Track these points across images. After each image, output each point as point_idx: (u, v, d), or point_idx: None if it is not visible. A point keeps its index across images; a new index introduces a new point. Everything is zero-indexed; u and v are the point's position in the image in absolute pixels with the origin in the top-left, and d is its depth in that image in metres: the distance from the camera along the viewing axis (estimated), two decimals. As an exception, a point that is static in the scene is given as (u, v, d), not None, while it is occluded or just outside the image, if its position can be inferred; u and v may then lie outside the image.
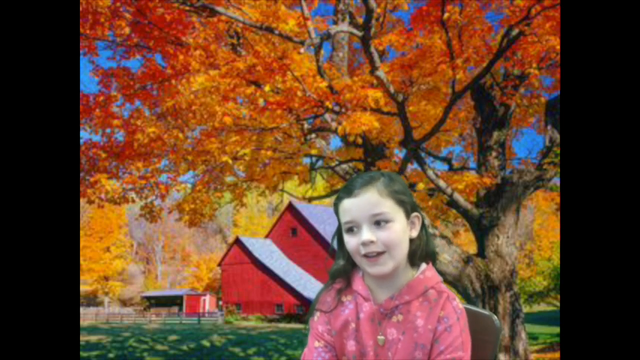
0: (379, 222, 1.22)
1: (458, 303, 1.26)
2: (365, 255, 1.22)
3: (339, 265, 1.32)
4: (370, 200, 1.22)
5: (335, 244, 1.35)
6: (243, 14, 5.45)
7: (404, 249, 1.25)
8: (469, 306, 1.34)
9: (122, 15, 5.45)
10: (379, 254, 1.21)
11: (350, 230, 1.24)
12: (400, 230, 1.24)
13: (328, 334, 1.30)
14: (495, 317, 1.37)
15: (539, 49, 5.36)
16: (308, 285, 33.54)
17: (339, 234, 1.32)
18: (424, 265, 1.30)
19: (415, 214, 1.29)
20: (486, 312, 1.38)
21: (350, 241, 1.24)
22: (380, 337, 1.25)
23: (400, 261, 1.25)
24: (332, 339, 1.29)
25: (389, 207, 1.23)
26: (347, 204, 1.25)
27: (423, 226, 1.31)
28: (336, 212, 1.29)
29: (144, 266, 63.11)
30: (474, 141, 8.51)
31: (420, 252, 1.29)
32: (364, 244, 1.21)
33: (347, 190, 1.26)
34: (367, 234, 1.21)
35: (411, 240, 1.28)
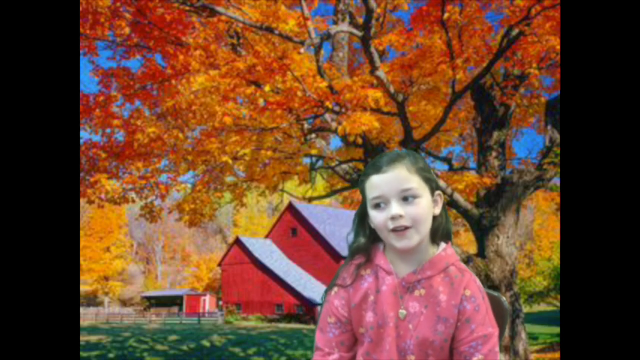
0: (407, 198, 1.26)
1: (480, 283, 1.31)
2: (394, 230, 1.25)
3: (359, 243, 1.36)
4: (399, 176, 1.26)
5: (356, 222, 1.38)
6: (243, 14, 5.45)
7: (429, 224, 1.29)
8: None
9: (122, 15, 5.46)
10: (406, 228, 1.25)
11: (377, 206, 1.28)
12: (427, 206, 1.28)
13: (342, 309, 1.34)
14: (503, 298, 1.40)
15: (539, 49, 5.36)
16: (308, 285, 33.50)
17: (361, 211, 1.35)
18: (443, 244, 1.35)
19: (438, 192, 1.34)
20: (495, 293, 1.40)
21: (377, 216, 1.28)
22: (402, 311, 1.28)
23: (425, 236, 1.30)
24: (347, 313, 1.33)
25: (417, 183, 1.27)
26: (375, 179, 1.28)
27: (443, 205, 1.36)
28: (362, 189, 1.33)
29: (144, 266, 63.03)
30: (474, 141, 8.51)
31: (442, 229, 1.34)
32: (393, 218, 1.24)
33: (375, 167, 1.30)
34: (396, 208, 1.25)
35: (434, 218, 1.32)
